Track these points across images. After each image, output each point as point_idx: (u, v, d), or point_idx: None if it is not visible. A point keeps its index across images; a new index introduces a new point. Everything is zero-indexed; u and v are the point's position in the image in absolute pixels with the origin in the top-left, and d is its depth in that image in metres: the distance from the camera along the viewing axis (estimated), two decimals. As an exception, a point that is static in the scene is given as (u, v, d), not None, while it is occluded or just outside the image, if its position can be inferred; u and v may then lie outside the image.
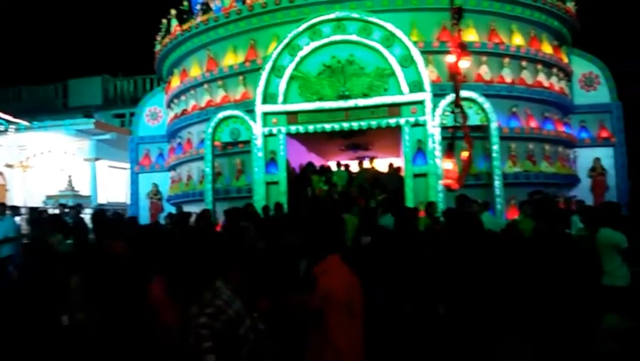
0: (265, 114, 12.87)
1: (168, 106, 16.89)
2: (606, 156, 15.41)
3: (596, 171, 15.18)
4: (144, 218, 16.55)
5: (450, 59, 8.01)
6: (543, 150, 13.73)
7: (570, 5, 15.40)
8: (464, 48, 7.51)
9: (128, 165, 18.75)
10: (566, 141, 14.72)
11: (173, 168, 16.54)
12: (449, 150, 9.04)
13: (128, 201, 18.77)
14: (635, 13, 22.12)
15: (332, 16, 12.63)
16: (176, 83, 16.09)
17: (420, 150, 12.25)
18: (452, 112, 9.00)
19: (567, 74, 15.36)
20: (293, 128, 12.80)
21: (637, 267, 6.05)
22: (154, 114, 18.15)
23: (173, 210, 13.74)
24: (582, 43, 16.75)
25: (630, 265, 6.13)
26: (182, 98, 15.81)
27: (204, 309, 2.33)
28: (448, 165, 8.85)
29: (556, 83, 14.47)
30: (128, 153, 18.16)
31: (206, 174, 13.31)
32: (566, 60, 15.38)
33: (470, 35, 13.32)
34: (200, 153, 14.12)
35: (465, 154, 10.29)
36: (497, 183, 12.13)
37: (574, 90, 15.83)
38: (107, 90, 30.01)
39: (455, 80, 8.01)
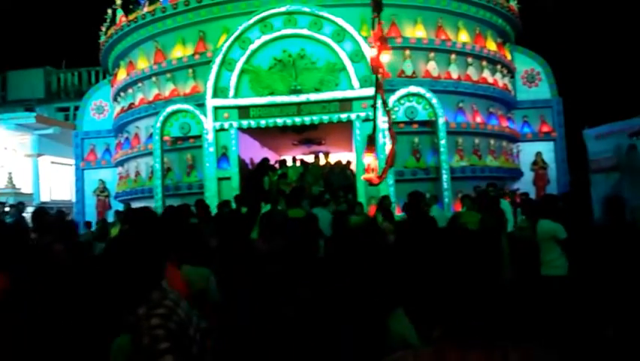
0: (216, 108, 12.69)
1: (115, 99, 16.37)
2: (547, 150, 16.14)
3: (538, 164, 15.87)
4: (90, 216, 16.01)
5: (372, 53, 8.08)
6: (488, 145, 14.22)
7: (513, 4, 15.96)
8: (385, 42, 7.60)
9: (72, 161, 18.03)
10: (510, 136, 15.30)
11: (120, 163, 16.06)
12: (370, 144, 9.11)
13: (74, 199, 18.08)
14: (575, 11, 23.16)
15: (283, 9, 12.58)
16: (122, 75, 15.60)
17: (371, 145, 12.40)
18: (372, 106, 9.03)
19: (510, 71, 15.95)
20: (245, 123, 12.69)
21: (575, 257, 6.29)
22: (100, 108, 17.55)
23: (121, 207, 13.38)
24: (525, 41, 17.42)
25: (568, 256, 6.40)
26: (129, 91, 15.36)
27: (154, 310, 2.27)
28: (369, 159, 8.91)
29: (500, 80, 14.99)
30: (73, 149, 17.47)
31: (156, 170, 12.99)
32: (509, 57, 15.95)
33: (418, 31, 13.60)
34: (148, 148, 13.77)
35: (388, 148, 10.42)
36: (445, 177, 12.48)
37: (517, 86, 16.47)
38: (50, 83, 28.66)
39: (377, 74, 8.08)
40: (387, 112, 8.45)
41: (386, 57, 7.76)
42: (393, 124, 12.36)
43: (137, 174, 14.85)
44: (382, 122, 12.27)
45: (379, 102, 9.91)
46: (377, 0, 7.29)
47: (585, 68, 21.45)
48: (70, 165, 19.07)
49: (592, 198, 15.51)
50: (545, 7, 21.74)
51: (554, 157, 16.11)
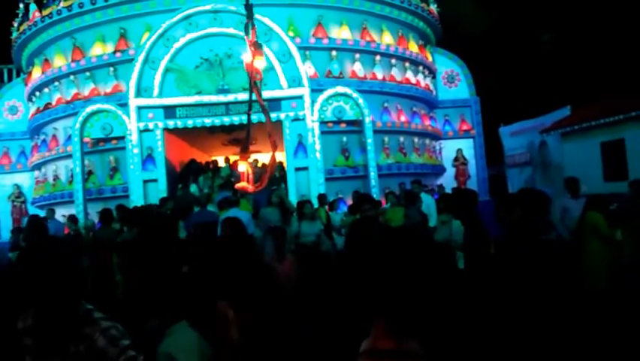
0: (140, 108, 12.30)
1: (29, 99, 15.42)
2: (467, 147, 17.02)
3: (459, 160, 16.71)
4: (5, 223, 15.02)
5: (247, 58, 8.13)
6: (413, 143, 14.77)
7: (433, 7, 16.67)
8: (259, 47, 7.70)
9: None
10: (433, 134, 15.97)
11: (37, 167, 15.16)
12: (243, 151, 9.03)
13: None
14: (490, 15, 24.51)
15: (208, 7, 12.41)
16: (37, 73, 14.74)
17: (300, 144, 12.54)
18: (246, 112, 8.96)
19: (432, 72, 16.65)
20: (171, 124, 12.39)
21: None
22: (13, 108, 16.46)
23: (42, 213, 12.63)
24: (445, 43, 18.25)
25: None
26: (46, 90, 14.54)
27: (89, 316, 2.21)
28: (243, 167, 8.85)
29: (422, 80, 15.62)
30: (-16, 152, 16.27)
31: (76, 174, 12.38)
32: (430, 59, 16.65)
33: (344, 33, 13.88)
34: (67, 151, 13.11)
35: (269, 155, 10.38)
36: (372, 174, 12.84)
37: (438, 87, 17.23)
38: (-45, 81, 26.54)
39: (251, 79, 8.13)
40: (267, 117, 8.35)
41: (260, 63, 7.80)
42: (321, 123, 12.64)
43: (56, 178, 14.08)
44: (310, 120, 12.46)
45: (262, 104, 9.81)
46: (249, 7, 7.35)
47: (500, 68, 22.80)
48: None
49: (508, 192, 16.58)
50: (463, 11, 22.87)
51: (474, 153, 17.00)
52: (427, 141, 15.75)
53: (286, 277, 4.78)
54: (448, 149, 16.82)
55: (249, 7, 6.75)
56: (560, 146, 13.60)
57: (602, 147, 12.06)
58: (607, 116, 11.66)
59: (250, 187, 8.84)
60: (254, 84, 8.41)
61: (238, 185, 8.49)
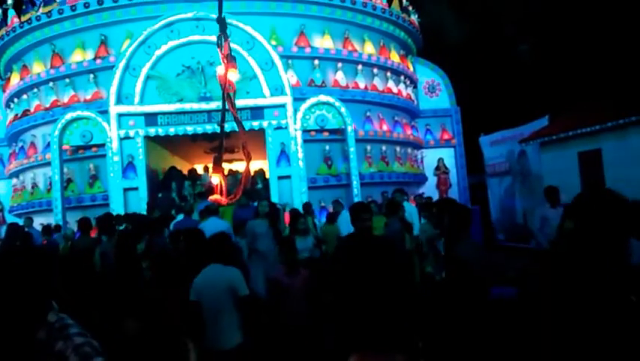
0: (120, 115, 12.17)
1: (7, 106, 15.16)
2: (448, 156, 17.20)
3: (440, 170, 16.88)
4: (-20, 232, 14.66)
5: (220, 70, 8.15)
6: (395, 152, 14.87)
7: (414, 18, 16.87)
8: (232, 60, 7.74)
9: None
10: (414, 143, 16.11)
11: (15, 175, 14.86)
12: (217, 163, 8.94)
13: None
14: (470, 25, 24.89)
15: (190, 15, 12.38)
16: (16, 80, 14.51)
17: (283, 153, 12.53)
18: (219, 125, 8.89)
19: (413, 82, 16.83)
20: (152, 131, 12.28)
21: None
22: (-10, 115, 16.16)
23: (20, 222, 12.36)
24: (426, 53, 18.47)
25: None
26: (24, 97, 14.30)
27: (63, 331, 2.13)
28: (216, 179, 8.77)
29: (404, 90, 15.76)
30: (-41, 159, 15.92)
31: (54, 182, 12.18)
32: (412, 68, 16.82)
33: (326, 42, 13.95)
34: (46, 158, 12.90)
35: (243, 166, 10.28)
36: (355, 183, 12.87)
37: (419, 96, 17.40)
38: None
39: (224, 91, 8.15)
40: (241, 128, 8.30)
41: (233, 75, 7.83)
42: (304, 132, 12.65)
43: (34, 185, 13.82)
44: (293, 129, 12.46)
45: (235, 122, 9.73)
46: (221, 19, 7.37)
47: (480, 78, 23.12)
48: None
49: (488, 200, 16.76)
50: (444, 22, 23.19)
51: (455, 163, 17.17)
52: (409, 150, 15.87)
53: (298, 292, 4.66)
54: (429, 158, 16.98)
55: (221, 21, 6.76)
56: (538, 155, 13.79)
57: (579, 157, 12.25)
58: (584, 127, 11.86)
59: (224, 200, 8.76)
60: (227, 96, 8.39)
61: (211, 197, 8.41)
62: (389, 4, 15.86)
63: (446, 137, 17.32)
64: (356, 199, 12.67)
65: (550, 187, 7.36)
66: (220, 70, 7.64)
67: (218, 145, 9.30)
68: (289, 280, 4.72)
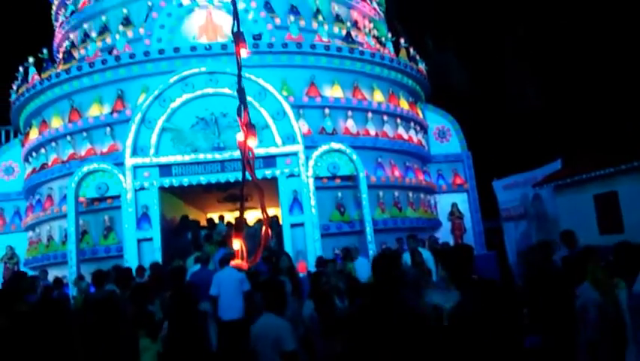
0: (136, 167, 12.37)
1: (26, 160, 15.51)
2: (462, 200, 17.07)
3: (454, 215, 16.73)
4: (-5, 285, 14.69)
5: (240, 137, 8.41)
6: (407, 197, 14.82)
7: (422, 66, 17.20)
8: (251, 128, 8.00)
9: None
10: (427, 188, 16.07)
11: (31, 227, 15.03)
12: (237, 229, 8.95)
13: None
14: (478, 71, 25.30)
15: (203, 69, 12.76)
16: (35, 134, 14.91)
17: (296, 200, 12.56)
18: (241, 191, 8.96)
19: (423, 128, 16.97)
20: (167, 182, 12.44)
21: None
22: (9, 169, 16.50)
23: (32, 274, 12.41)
24: (435, 99, 18.70)
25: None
26: (42, 151, 14.65)
27: None
28: (237, 244, 8.78)
29: (414, 136, 15.88)
30: (-22, 213, 16.13)
31: (70, 234, 12.25)
32: (421, 115, 17.01)
33: (336, 91, 14.23)
34: (62, 211, 13.06)
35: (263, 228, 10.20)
36: (368, 230, 12.76)
37: (430, 142, 17.49)
38: (-48, 142, 26.75)
39: (244, 157, 8.34)
40: (260, 193, 8.40)
41: (252, 142, 8.09)
42: (316, 179, 12.72)
43: (50, 238, 13.95)
44: (305, 177, 12.52)
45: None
46: (241, 90, 7.62)
47: (489, 123, 23.27)
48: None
49: (505, 245, 16.51)
50: (452, 68, 23.60)
51: (468, 207, 17.04)
52: (422, 196, 15.82)
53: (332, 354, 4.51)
54: (442, 203, 16.88)
55: (240, 92, 7.00)
56: (553, 199, 13.67)
57: (595, 200, 12.13)
58: (598, 169, 11.80)
59: (245, 264, 8.78)
60: (247, 163, 8.63)
61: (233, 263, 8.46)
62: (397, 54, 16.23)
63: (459, 182, 17.26)
64: (370, 246, 12.57)
65: (566, 231, 7.26)
66: (240, 137, 7.91)
67: (239, 211, 9.44)
68: (325, 343, 4.55)
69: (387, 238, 13.14)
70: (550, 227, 13.72)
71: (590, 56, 22.93)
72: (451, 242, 15.30)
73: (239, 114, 7.22)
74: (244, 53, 6.42)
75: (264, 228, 9.02)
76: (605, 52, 22.48)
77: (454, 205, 16.76)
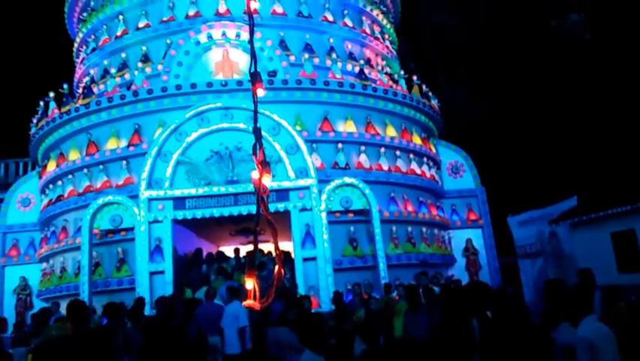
0: (150, 200, 12.48)
1: (42, 192, 15.74)
2: (476, 236, 16.86)
3: (469, 251, 16.49)
4: (9, 317, 14.63)
5: (254, 175, 8.49)
6: (421, 233, 14.69)
7: (434, 102, 17.33)
8: (266, 166, 8.11)
9: (-8, 257, 16.71)
10: (441, 224, 15.93)
11: (45, 259, 15.12)
12: (250, 267, 8.88)
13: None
14: (491, 108, 25.39)
15: (219, 104, 13.00)
16: (52, 167, 15.16)
17: (308, 235, 12.52)
18: (255, 230, 8.97)
19: (436, 163, 16.96)
20: (180, 215, 12.52)
21: None
22: (26, 200, 16.74)
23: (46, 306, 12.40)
24: (447, 135, 18.76)
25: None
26: (59, 183, 14.86)
27: None
28: (249, 284, 8.70)
29: (427, 171, 15.86)
30: (-6, 244, 16.28)
31: (83, 266, 12.28)
32: (434, 150, 17.03)
33: (349, 126, 14.36)
34: (76, 243, 13.14)
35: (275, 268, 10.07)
36: (382, 265, 12.63)
37: (443, 177, 17.44)
38: (-28, 174, 27.27)
39: (259, 195, 8.43)
40: (274, 232, 8.42)
41: (267, 180, 8.20)
42: (329, 213, 12.70)
43: (63, 270, 14.00)
44: (317, 210, 12.50)
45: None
46: (257, 129, 7.81)
47: (503, 158, 23.19)
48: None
49: (521, 282, 16.18)
50: (464, 103, 23.74)
51: (483, 243, 16.81)
52: (436, 231, 15.67)
53: None
54: (457, 239, 16.66)
55: (256, 131, 7.17)
56: (570, 236, 13.45)
57: (612, 238, 11.92)
58: (615, 207, 11.64)
59: (257, 304, 8.74)
60: (261, 200, 8.70)
61: (245, 303, 8.41)
62: (409, 90, 16.40)
63: (473, 217, 17.09)
64: (383, 282, 12.39)
65: (584, 270, 7.12)
66: (255, 175, 8.04)
67: (253, 251, 9.44)
68: None
69: (401, 274, 12.99)
70: (567, 265, 13.47)
71: (608, 90, 22.95)
72: (466, 279, 15.07)
73: (254, 152, 7.38)
74: (260, 92, 6.57)
75: (276, 267, 8.97)
76: (622, 88, 22.49)
77: (469, 241, 16.55)
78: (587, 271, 7.08)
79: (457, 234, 16.78)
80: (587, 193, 14.37)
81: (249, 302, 8.63)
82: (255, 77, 7.17)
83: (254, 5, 6.35)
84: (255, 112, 6.39)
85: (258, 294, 8.67)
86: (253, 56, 6.27)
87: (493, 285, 15.17)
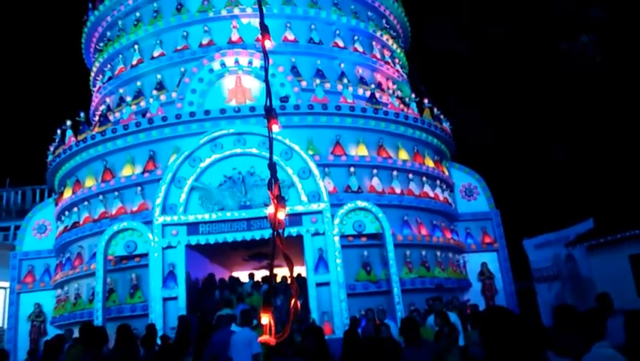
0: (164, 225, 12.57)
1: (58, 218, 15.92)
2: (492, 260, 16.59)
3: (485, 275, 16.21)
4: (23, 344, 14.73)
5: (270, 209, 8.63)
6: (435, 257, 14.52)
7: (446, 125, 17.35)
8: (282, 201, 8.25)
9: (8, 284, 16.87)
10: (455, 247, 15.76)
11: (60, 285, 15.21)
12: (266, 303, 8.87)
13: (6, 326, 16.59)
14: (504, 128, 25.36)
15: (232, 130, 13.15)
16: (68, 194, 15.36)
17: (321, 259, 12.46)
18: (270, 263, 9.01)
19: (449, 186, 16.87)
20: (194, 240, 12.57)
21: None
22: (42, 227, 16.92)
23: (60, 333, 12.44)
24: (460, 157, 18.70)
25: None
26: (75, 210, 15.04)
27: None
28: (265, 319, 8.66)
29: (440, 194, 15.77)
30: (9, 270, 16.43)
31: (97, 292, 12.32)
32: (447, 173, 16.96)
33: (361, 150, 14.41)
34: (91, 269, 13.23)
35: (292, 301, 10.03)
36: (396, 290, 12.46)
37: (457, 200, 17.31)
38: (-10, 201, 27.78)
39: (274, 230, 8.52)
40: (290, 264, 8.51)
41: (282, 215, 8.35)
42: (342, 237, 12.66)
43: (78, 296, 14.06)
44: (330, 235, 12.46)
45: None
46: (272, 164, 7.97)
47: (517, 181, 23.02)
48: (6, 288, 17.82)
49: (539, 307, 15.89)
50: (476, 126, 23.73)
51: (499, 267, 16.55)
52: (450, 255, 15.50)
53: None
54: (472, 263, 16.39)
55: (272, 166, 7.31)
56: (587, 259, 13.23)
57: (631, 261, 11.70)
58: (633, 229, 11.46)
59: (272, 340, 8.72)
60: (277, 234, 8.79)
61: (261, 338, 8.39)
62: (421, 113, 16.46)
63: (488, 240, 16.84)
64: (398, 307, 12.25)
65: (602, 294, 6.99)
66: (270, 209, 8.19)
67: (269, 289, 9.44)
68: None
69: (415, 299, 12.83)
70: (584, 289, 13.23)
71: (624, 111, 22.81)
72: (482, 304, 14.81)
73: (269, 188, 7.50)
74: (275, 128, 6.68)
75: (292, 301, 8.92)
76: (638, 108, 22.35)
77: (484, 265, 16.29)
78: (606, 296, 6.96)
79: (472, 257, 16.55)
80: (604, 215, 14.17)
81: (265, 338, 8.59)
82: (270, 113, 7.30)
83: (268, 45, 6.47)
84: (271, 149, 6.47)
85: (273, 330, 8.64)
86: (268, 93, 6.38)
87: (510, 309, 14.91)
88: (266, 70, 6.20)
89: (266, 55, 6.45)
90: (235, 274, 15.64)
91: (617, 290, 8.76)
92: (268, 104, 6.50)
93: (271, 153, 6.55)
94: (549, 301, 15.34)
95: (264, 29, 6.53)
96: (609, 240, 12.13)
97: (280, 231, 8.73)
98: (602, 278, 11.96)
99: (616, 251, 12.02)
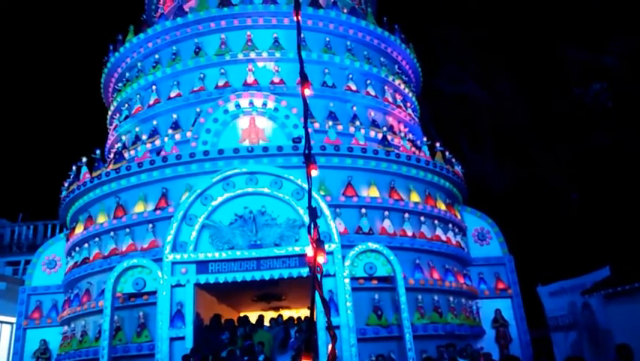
0: (174, 263, 12.51)
1: (69, 254, 15.92)
2: (505, 307, 16.14)
3: (499, 322, 15.74)
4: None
5: (309, 252, 8.64)
6: (448, 302, 14.21)
7: (458, 168, 17.33)
8: (320, 245, 8.27)
9: (15, 320, 16.74)
10: (468, 293, 15.42)
11: (66, 322, 15.04)
12: (307, 350, 8.72)
13: (9, 363, 16.41)
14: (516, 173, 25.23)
15: (245, 170, 13.25)
16: (80, 230, 15.41)
17: (331, 301, 12.26)
18: (309, 307, 8.94)
19: (462, 229, 16.68)
20: (203, 278, 12.48)
21: None
22: (52, 262, 16.91)
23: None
24: (473, 201, 18.57)
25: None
26: (85, 246, 15.05)
27: None
28: None
29: (452, 237, 15.58)
30: (17, 305, 16.34)
31: (104, 330, 12.16)
32: (459, 216, 16.80)
33: (372, 191, 14.38)
34: (99, 306, 13.11)
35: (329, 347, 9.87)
36: (408, 336, 12.13)
37: (469, 244, 17.06)
38: (2, 236, 27.99)
39: (313, 272, 8.50)
40: (327, 310, 8.49)
41: (321, 259, 8.37)
42: (352, 279, 12.47)
43: (84, 334, 13.87)
44: (341, 276, 12.29)
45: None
46: (312, 209, 8.04)
47: (531, 226, 22.73)
48: (14, 323, 17.69)
49: (554, 357, 15.35)
50: (488, 171, 23.66)
51: (513, 314, 16.09)
52: (463, 301, 15.14)
53: None
54: (485, 309, 15.92)
55: (312, 210, 7.39)
56: (604, 308, 12.85)
57: (650, 310, 11.33)
58: (651, 276, 11.17)
59: None
60: (315, 278, 8.79)
61: None
62: (432, 157, 16.48)
63: (501, 286, 16.44)
64: (409, 354, 11.91)
65: (622, 345, 6.75)
66: (309, 252, 8.28)
67: (307, 337, 9.32)
68: None
69: (428, 346, 12.50)
70: (602, 339, 12.79)
71: (628, 158, 22.68)
72: (496, 352, 14.36)
73: (309, 231, 7.56)
74: (314, 173, 6.74)
75: (330, 346, 8.77)
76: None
77: (498, 312, 15.83)
78: (626, 347, 6.71)
79: (486, 304, 16.12)
80: (620, 263, 13.85)
81: None
82: (309, 159, 7.41)
83: (308, 92, 6.60)
84: (310, 195, 6.50)
85: None
86: (307, 140, 6.46)
87: (526, 360, 14.42)
88: (305, 118, 6.28)
89: (305, 103, 6.54)
90: (242, 314, 15.39)
91: (637, 341, 8.44)
92: (307, 150, 6.54)
93: (310, 198, 6.57)
94: (565, 351, 14.82)
95: (304, 78, 6.67)
96: (627, 289, 11.81)
97: (319, 275, 8.64)
98: (620, 328, 11.58)
99: (634, 300, 11.66)
